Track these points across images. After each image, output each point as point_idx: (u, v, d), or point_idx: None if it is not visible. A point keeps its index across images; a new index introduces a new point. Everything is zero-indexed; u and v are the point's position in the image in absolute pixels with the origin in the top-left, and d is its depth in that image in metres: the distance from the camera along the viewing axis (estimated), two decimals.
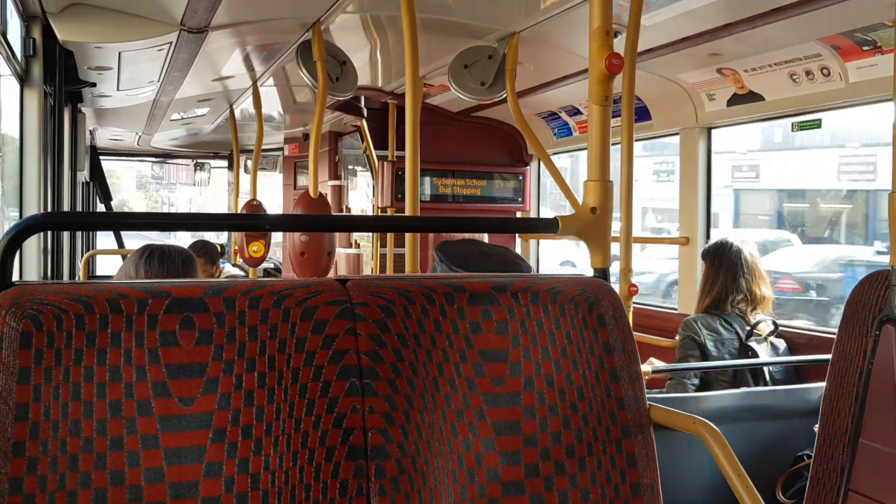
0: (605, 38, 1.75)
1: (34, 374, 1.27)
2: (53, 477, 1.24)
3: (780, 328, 3.47)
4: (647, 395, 1.65)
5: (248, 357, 1.38)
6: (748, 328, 3.29)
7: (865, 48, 3.16)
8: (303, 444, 1.37)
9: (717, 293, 3.35)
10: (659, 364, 3.26)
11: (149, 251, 2.74)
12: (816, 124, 3.77)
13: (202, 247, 5.24)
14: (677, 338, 3.40)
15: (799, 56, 3.42)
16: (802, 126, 3.80)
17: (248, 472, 1.33)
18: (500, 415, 1.51)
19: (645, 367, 2.68)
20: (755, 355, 3.22)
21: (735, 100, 3.93)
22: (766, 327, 3.33)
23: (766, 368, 3.23)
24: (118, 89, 4.63)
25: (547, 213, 7.49)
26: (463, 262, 2.59)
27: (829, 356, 2.21)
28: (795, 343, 3.51)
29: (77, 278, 5.84)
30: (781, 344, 3.40)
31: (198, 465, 1.31)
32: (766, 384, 3.24)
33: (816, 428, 2.26)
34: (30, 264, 3.45)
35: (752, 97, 3.82)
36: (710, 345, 3.22)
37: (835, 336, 3.56)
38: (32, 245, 3.48)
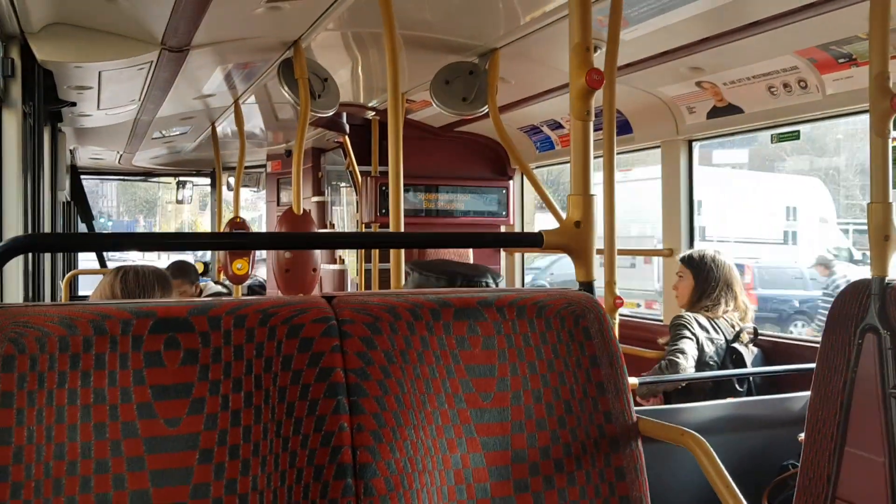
0: (585, 54, 1.76)
1: (17, 397, 1.25)
2: (38, 501, 1.22)
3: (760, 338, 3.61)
4: (634, 408, 1.66)
5: (234, 376, 1.37)
6: (734, 333, 3.43)
7: (841, 61, 3.21)
8: (291, 463, 1.36)
9: (713, 299, 3.49)
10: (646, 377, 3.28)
11: (123, 271, 2.78)
12: (795, 136, 3.82)
13: (179, 267, 5.21)
14: (661, 341, 3.50)
15: (777, 69, 3.46)
16: (781, 138, 3.85)
17: (235, 493, 1.32)
18: (489, 430, 1.51)
19: (632, 380, 2.69)
20: (740, 357, 3.35)
21: (715, 112, 3.97)
22: (746, 336, 3.48)
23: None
24: (98, 108, 4.61)
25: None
26: (433, 267, 2.65)
27: (807, 365, 2.23)
28: (767, 350, 3.62)
29: (59, 298, 5.78)
30: (756, 350, 3.54)
31: (185, 487, 1.29)
32: (750, 389, 3.33)
33: (801, 437, 2.28)
34: (10, 286, 3.42)
35: (732, 110, 3.86)
36: (701, 338, 3.34)
37: (804, 344, 3.67)
38: (13, 266, 3.45)
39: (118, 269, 2.80)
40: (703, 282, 3.54)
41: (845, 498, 2.01)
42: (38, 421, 1.25)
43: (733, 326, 3.46)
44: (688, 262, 3.65)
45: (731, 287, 3.51)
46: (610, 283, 3.04)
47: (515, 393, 1.55)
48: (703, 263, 3.58)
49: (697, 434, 1.49)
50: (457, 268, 2.68)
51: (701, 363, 3.31)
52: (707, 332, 3.38)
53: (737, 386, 3.31)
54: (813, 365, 2.25)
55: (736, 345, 3.39)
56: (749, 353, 3.43)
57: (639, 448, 1.62)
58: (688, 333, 3.34)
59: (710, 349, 3.34)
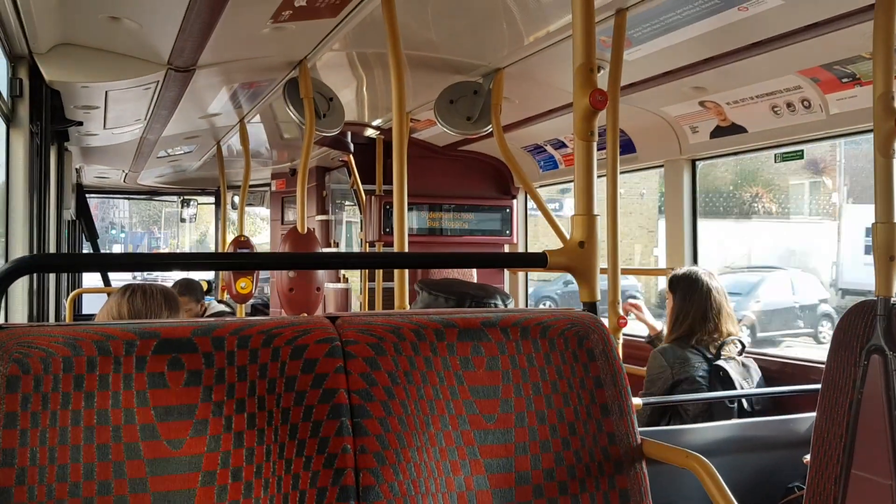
0: (589, 75, 1.77)
1: (21, 418, 1.25)
2: None
3: (752, 355, 3.47)
4: (638, 429, 1.65)
5: (237, 398, 1.37)
6: (714, 351, 3.26)
7: (845, 80, 3.22)
8: (293, 485, 1.36)
9: (687, 328, 3.31)
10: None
11: (131, 290, 2.77)
12: (799, 155, 3.82)
13: (186, 285, 5.21)
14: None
15: (780, 88, 3.47)
16: (785, 157, 3.85)
17: None
18: (493, 452, 1.50)
19: (636, 401, 2.67)
20: (726, 374, 3.19)
21: (718, 132, 3.98)
22: (733, 349, 3.31)
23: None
24: (105, 128, 4.64)
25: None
26: (443, 287, 2.65)
27: (810, 386, 2.22)
28: (768, 371, 3.52)
29: (63, 318, 5.79)
30: (752, 363, 3.38)
31: None
32: (747, 409, 3.24)
33: (806, 459, 2.26)
34: (15, 306, 3.42)
35: (735, 129, 3.87)
36: (679, 376, 3.19)
37: (805, 364, 3.58)
38: (18, 285, 3.46)
39: (126, 287, 2.79)
40: (682, 302, 3.36)
41: None
42: (42, 442, 1.25)
43: (717, 344, 3.28)
44: (670, 282, 3.48)
45: (706, 317, 3.29)
46: (613, 302, 3.04)
47: (519, 414, 1.55)
48: (682, 282, 3.40)
49: (702, 457, 1.48)
50: (466, 288, 2.68)
51: (685, 391, 3.17)
52: (682, 360, 3.21)
53: (727, 403, 3.19)
54: (817, 386, 2.24)
55: (720, 362, 3.22)
56: (738, 365, 3.27)
57: (643, 470, 1.61)
58: (658, 383, 3.20)
59: (688, 375, 3.18)
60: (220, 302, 6.62)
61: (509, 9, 3.04)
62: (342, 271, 6.20)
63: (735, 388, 3.19)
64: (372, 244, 5.55)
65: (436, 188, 5.71)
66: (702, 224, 4.41)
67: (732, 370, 3.22)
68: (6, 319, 3.21)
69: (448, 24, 3.28)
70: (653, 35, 3.10)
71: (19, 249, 3.38)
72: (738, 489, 1.51)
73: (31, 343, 1.29)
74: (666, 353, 3.27)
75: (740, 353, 3.33)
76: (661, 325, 3.86)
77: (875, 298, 2.13)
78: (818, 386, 2.23)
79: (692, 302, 3.32)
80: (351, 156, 5.60)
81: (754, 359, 3.47)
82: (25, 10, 2.79)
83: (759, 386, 3.34)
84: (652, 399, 3.10)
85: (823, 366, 3.43)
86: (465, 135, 4.00)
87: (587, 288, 1.81)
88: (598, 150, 1.91)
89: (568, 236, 1.84)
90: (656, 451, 1.60)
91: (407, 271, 2.94)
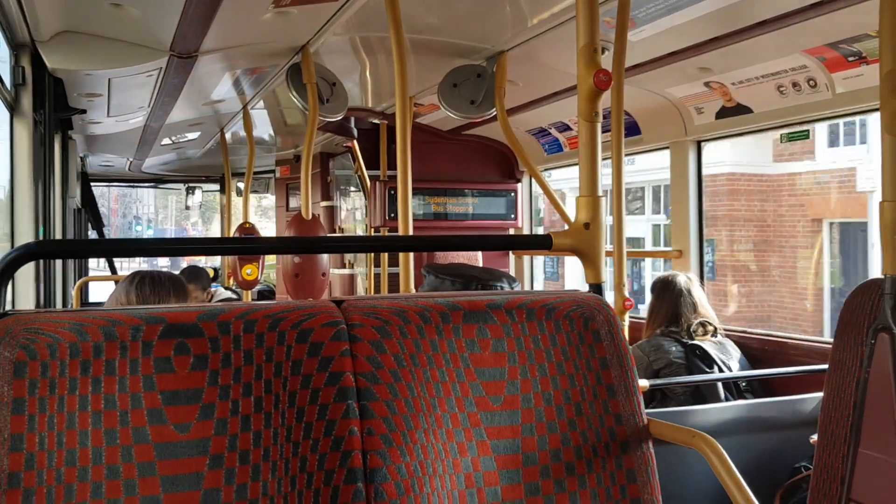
0: (593, 56, 1.76)
1: (29, 404, 1.26)
2: None
3: (733, 333, 3.65)
4: (644, 410, 1.65)
5: (244, 381, 1.37)
6: (686, 336, 3.42)
7: (851, 59, 3.19)
8: (301, 468, 1.36)
9: (659, 325, 3.49)
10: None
11: (139, 277, 2.76)
12: (805, 135, 3.80)
13: (192, 272, 5.22)
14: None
15: (785, 68, 3.45)
16: (791, 137, 3.83)
17: (246, 498, 1.32)
18: (499, 433, 1.51)
19: (642, 382, 2.68)
20: (703, 352, 3.33)
21: (723, 113, 3.95)
22: (701, 329, 3.46)
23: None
24: (108, 115, 4.64)
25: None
26: (449, 270, 2.65)
27: (819, 366, 2.22)
28: (748, 348, 3.64)
29: (70, 306, 5.81)
30: (728, 341, 3.52)
31: (195, 493, 1.30)
32: (736, 389, 3.32)
33: (813, 439, 2.26)
34: (22, 293, 3.43)
35: (741, 110, 3.85)
36: (657, 364, 3.34)
37: (787, 341, 3.67)
38: (25, 273, 3.47)
39: (134, 274, 2.78)
40: (656, 301, 3.56)
41: (860, 500, 1.99)
42: (50, 427, 1.26)
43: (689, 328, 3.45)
44: (651, 286, 3.69)
45: (684, 308, 3.46)
46: (619, 284, 3.04)
47: (525, 395, 1.55)
48: (658, 284, 3.60)
49: (709, 436, 1.48)
50: (473, 271, 2.69)
51: (667, 374, 3.30)
52: (657, 349, 3.37)
53: (719, 390, 3.29)
54: (821, 366, 2.24)
55: (695, 341, 3.37)
56: (714, 346, 3.40)
57: (650, 450, 1.61)
58: (637, 369, 3.34)
59: (665, 361, 3.34)
60: (226, 289, 6.64)
61: None
62: (347, 257, 6.20)
63: (715, 364, 3.33)
64: (377, 230, 5.55)
65: (440, 173, 5.70)
66: None
67: (709, 348, 3.36)
68: (14, 307, 3.22)
69: (451, 6, 3.27)
70: (657, 15, 3.08)
71: (25, 238, 3.39)
72: (744, 469, 1.51)
73: (38, 329, 1.30)
74: (641, 345, 3.45)
75: (714, 335, 3.47)
76: None
77: (882, 277, 2.12)
78: (821, 366, 2.23)
79: (664, 300, 3.52)
80: (355, 141, 5.59)
81: (736, 338, 3.61)
82: None
83: (741, 363, 3.47)
84: (658, 381, 3.11)
85: (802, 342, 3.51)
86: (469, 119, 3.99)
87: (592, 269, 1.81)
88: (603, 132, 1.90)
89: (573, 219, 1.84)
90: (662, 431, 1.60)
91: (412, 256, 2.94)
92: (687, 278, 3.61)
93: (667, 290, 3.54)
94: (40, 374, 1.27)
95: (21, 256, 1.39)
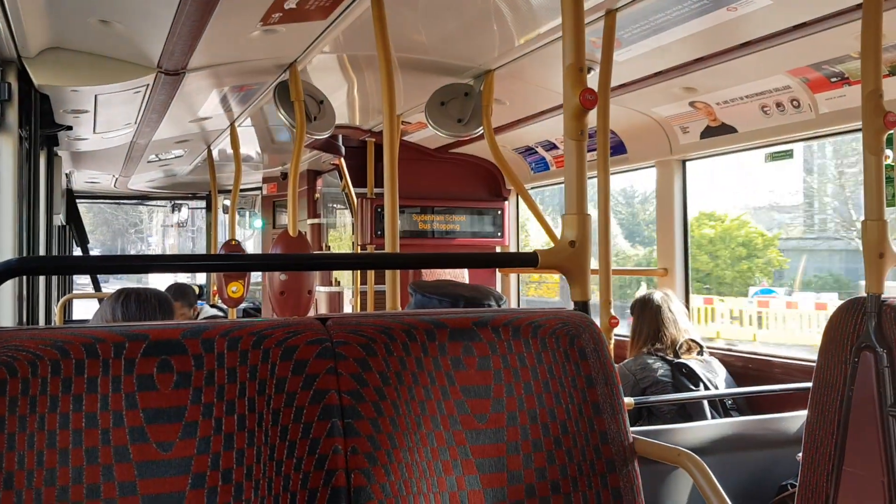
0: (579, 75, 1.77)
1: (8, 422, 1.24)
2: None
3: (717, 351, 3.72)
4: (630, 428, 1.65)
5: (227, 399, 1.36)
6: (671, 354, 3.46)
7: (834, 80, 3.23)
8: (284, 487, 1.35)
9: (643, 344, 3.53)
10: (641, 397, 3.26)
11: (125, 294, 2.73)
12: (788, 154, 3.83)
13: (178, 289, 5.19)
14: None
15: (769, 88, 3.48)
16: (775, 156, 3.87)
17: None
18: (484, 452, 1.50)
19: (627, 400, 2.68)
20: (690, 370, 3.36)
21: (708, 132, 3.99)
22: (686, 346, 3.50)
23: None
24: (95, 132, 4.62)
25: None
26: (436, 289, 2.64)
27: (801, 384, 2.22)
28: (732, 366, 3.68)
29: (53, 323, 5.76)
30: (714, 360, 3.55)
31: None
32: (723, 407, 3.35)
33: (799, 456, 2.26)
34: (3, 310, 3.40)
35: (725, 129, 3.88)
36: (644, 383, 3.37)
37: (772, 359, 3.73)
38: (7, 290, 3.44)
39: (119, 292, 2.75)
40: (637, 320, 3.61)
41: None
42: (30, 446, 1.24)
43: (673, 346, 3.48)
44: (630, 307, 3.74)
45: (664, 324, 3.51)
46: (605, 302, 3.04)
47: (511, 414, 1.54)
48: (637, 304, 3.65)
49: (694, 454, 1.48)
50: (460, 290, 2.68)
51: (654, 393, 3.32)
52: (642, 367, 3.40)
53: (705, 407, 3.31)
54: (807, 384, 2.25)
55: (682, 359, 3.40)
56: (700, 364, 3.42)
57: (636, 469, 1.61)
58: (624, 388, 3.36)
59: (651, 380, 3.36)
60: (212, 307, 6.61)
61: (499, 10, 3.04)
62: (334, 275, 6.19)
63: (701, 382, 3.35)
64: (364, 247, 5.55)
65: (427, 191, 5.72)
66: None
67: (695, 366, 3.39)
68: None
69: (438, 26, 3.28)
70: (643, 35, 3.11)
71: (8, 255, 3.36)
72: (730, 487, 1.51)
73: (19, 346, 1.28)
74: (628, 364, 3.48)
75: (700, 353, 3.50)
76: None
77: (865, 296, 2.14)
78: (801, 385, 2.24)
79: (644, 319, 3.57)
80: (342, 159, 5.60)
81: (720, 357, 3.65)
82: (14, 14, 2.77)
83: (726, 381, 3.49)
84: (644, 399, 3.11)
85: (786, 361, 3.54)
86: (457, 137, 4.01)
87: (579, 287, 1.81)
88: (589, 151, 1.91)
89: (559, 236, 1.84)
90: (649, 450, 1.60)
91: (399, 274, 2.93)
92: (664, 294, 3.66)
93: (646, 309, 3.59)
94: (21, 391, 1.26)
95: (3, 273, 1.37)
